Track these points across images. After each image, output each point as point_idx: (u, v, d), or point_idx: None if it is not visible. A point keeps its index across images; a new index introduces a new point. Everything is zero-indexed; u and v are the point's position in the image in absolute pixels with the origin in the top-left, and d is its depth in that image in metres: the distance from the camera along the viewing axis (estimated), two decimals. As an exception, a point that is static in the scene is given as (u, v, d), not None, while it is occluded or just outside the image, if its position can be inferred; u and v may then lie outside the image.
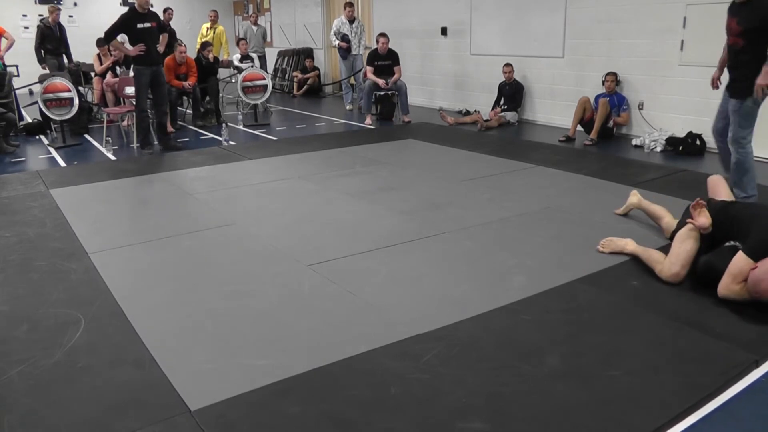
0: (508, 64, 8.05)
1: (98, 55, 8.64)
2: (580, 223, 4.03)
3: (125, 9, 6.78)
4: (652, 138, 6.44)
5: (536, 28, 7.94)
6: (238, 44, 10.52)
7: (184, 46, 8.21)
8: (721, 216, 3.09)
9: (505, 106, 8.16)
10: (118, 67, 8.35)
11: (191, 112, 8.81)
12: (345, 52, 9.58)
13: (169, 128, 7.34)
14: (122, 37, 6.77)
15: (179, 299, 3.02)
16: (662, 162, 5.93)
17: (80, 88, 8.82)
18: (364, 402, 2.15)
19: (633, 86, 6.95)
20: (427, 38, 9.78)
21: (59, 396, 2.20)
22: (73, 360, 2.43)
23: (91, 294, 3.04)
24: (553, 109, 8.00)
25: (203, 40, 9.83)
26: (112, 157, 6.51)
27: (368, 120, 8.47)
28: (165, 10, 9.24)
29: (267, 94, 8.67)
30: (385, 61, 8.49)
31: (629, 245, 3.40)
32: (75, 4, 13.40)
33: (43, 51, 8.99)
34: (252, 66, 9.54)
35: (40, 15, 13.03)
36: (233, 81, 9.73)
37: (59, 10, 9.23)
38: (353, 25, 9.50)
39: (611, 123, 6.92)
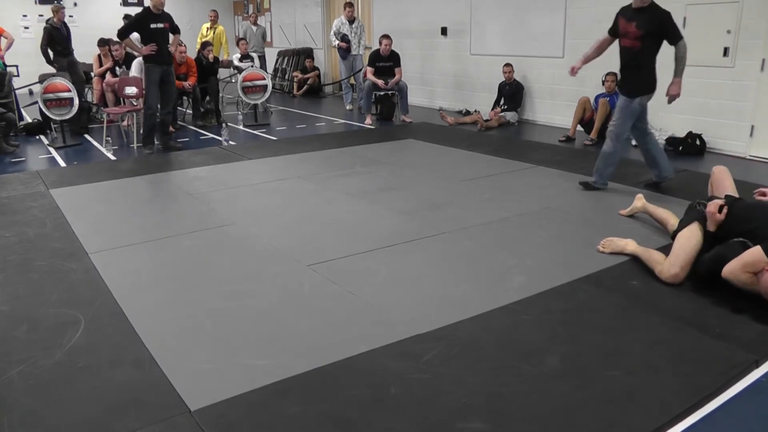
0: (508, 64, 8.05)
1: (98, 55, 8.63)
2: (580, 223, 4.03)
3: (125, 9, 6.82)
4: (652, 138, 6.43)
5: (536, 28, 7.94)
6: (238, 44, 10.52)
7: (184, 46, 8.20)
8: (730, 206, 3.06)
9: (505, 106, 8.16)
10: (118, 67, 8.35)
11: (191, 112, 8.82)
12: (345, 52, 9.58)
13: (170, 128, 7.35)
14: (134, 36, 6.81)
15: (179, 299, 3.02)
16: (662, 162, 5.92)
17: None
18: (364, 402, 2.15)
19: (633, 86, 6.93)
20: (427, 38, 9.77)
21: (59, 396, 2.20)
22: (73, 360, 2.43)
23: (91, 294, 3.04)
24: (553, 109, 8.00)
25: (203, 40, 9.83)
26: (112, 157, 6.51)
27: (368, 120, 8.47)
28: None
29: (267, 94, 8.67)
30: (387, 62, 8.49)
31: (630, 245, 3.40)
32: (75, 4, 13.39)
33: (51, 52, 9.00)
34: (252, 65, 9.54)
35: (40, 15, 13.10)
36: (233, 81, 9.73)
37: (64, 8, 9.24)
38: (353, 26, 9.50)
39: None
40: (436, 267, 3.38)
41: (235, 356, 2.46)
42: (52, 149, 6.98)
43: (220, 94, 9.39)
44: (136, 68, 7.62)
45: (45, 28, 9.02)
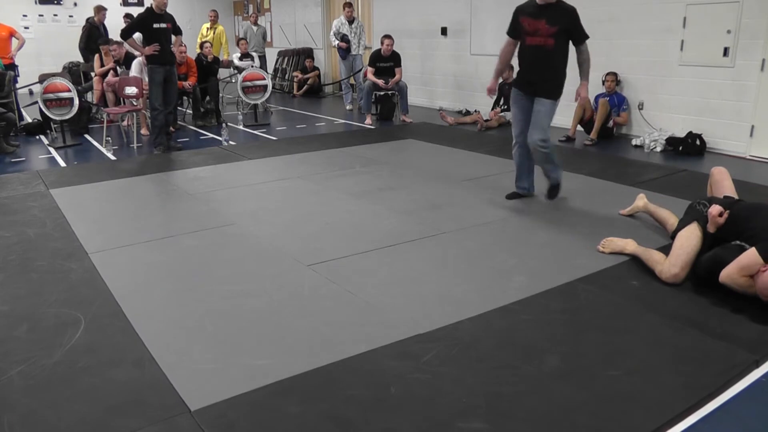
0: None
1: (99, 55, 8.63)
2: (580, 223, 4.03)
3: (125, 9, 6.83)
4: (652, 138, 6.44)
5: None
6: (238, 44, 10.52)
7: (184, 46, 8.20)
8: (730, 207, 3.06)
9: (505, 106, 8.14)
10: (118, 67, 8.35)
11: (191, 112, 8.81)
12: (344, 52, 9.57)
13: (170, 128, 7.35)
14: (136, 36, 6.83)
15: (179, 299, 3.02)
16: (662, 162, 5.93)
17: (80, 87, 8.83)
18: (364, 402, 2.15)
19: (633, 86, 6.95)
20: (427, 38, 9.77)
21: (59, 396, 2.20)
22: (73, 360, 2.43)
23: (91, 294, 3.04)
24: (553, 109, 7.99)
25: (203, 40, 9.83)
26: (112, 157, 6.51)
27: (368, 120, 8.47)
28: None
29: (267, 94, 8.67)
30: (387, 62, 8.49)
31: (629, 245, 3.40)
32: (75, 4, 13.40)
33: (87, 50, 9.07)
34: (252, 65, 9.53)
35: (40, 15, 13.13)
36: (233, 81, 9.73)
37: (105, 9, 9.28)
38: (353, 26, 9.50)
39: (611, 123, 6.92)
40: (436, 267, 3.38)
41: (235, 356, 2.46)
42: (52, 149, 6.98)
43: (220, 94, 9.39)
44: (136, 68, 7.62)
45: (84, 26, 9.09)
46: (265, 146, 6.93)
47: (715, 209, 3.06)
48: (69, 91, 7.05)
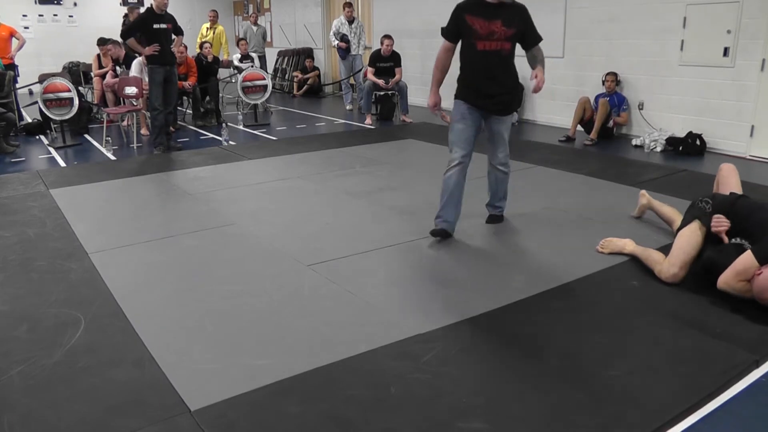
0: (508, 64, 8.03)
1: (98, 55, 8.64)
2: (580, 223, 4.03)
3: (125, 9, 6.84)
4: (652, 138, 6.44)
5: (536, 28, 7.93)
6: (238, 44, 10.52)
7: (184, 46, 8.20)
8: (728, 211, 3.05)
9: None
10: (118, 67, 8.35)
11: (191, 112, 8.81)
12: (344, 52, 9.58)
13: (170, 128, 7.35)
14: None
15: (179, 299, 3.02)
16: (662, 162, 5.93)
17: (80, 88, 8.83)
18: (364, 402, 2.15)
19: (633, 86, 6.95)
20: (427, 38, 9.76)
21: (59, 396, 2.20)
22: (73, 360, 2.43)
23: (91, 294, 3.04)
24: (553, 109, 8.00)
25: (203, 40, 9.83)
26: (112, 157, 6.51)
27: (368, 120, 8.47)
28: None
29: (267, 94, 8.67)
30: (387, 62, 8.50)
31: (628, 245, 3.40)
32: (75, 4, 13.40)
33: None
34: (252, 66, 9.53)
35: (40, 15, 13.13)
36: (233, 81, 9.73)
37: (138, 9, 9.29)
38: (352, 26, 9.50)
39: (611, 123, 6.92)
40: (436, 267, 3.38)
41: (235, 356, 2.46)
42: (52, 149, 6.98)
43: (220, 94, 9.39)
44: (135, 68, 7.62)
45: (123, 22, 9.12)
46: (265, 146, 6.93)
47: (720, 226, 2.99)
48: (69, 91, 7.05)
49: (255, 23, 11.38)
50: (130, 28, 6.63)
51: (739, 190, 3.35)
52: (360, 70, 9.46)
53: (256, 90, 8.49)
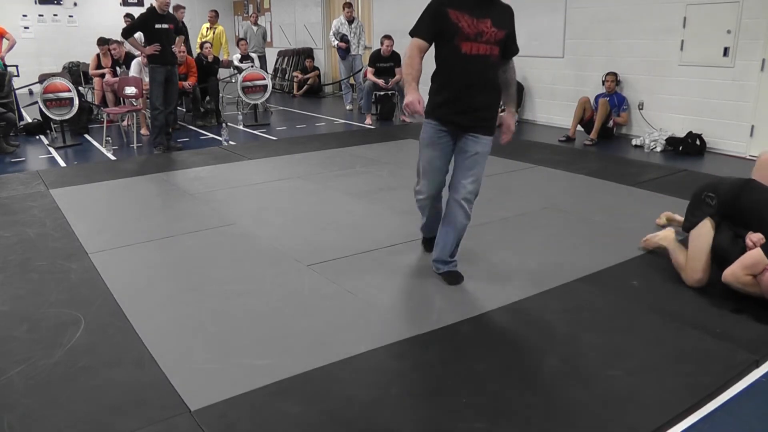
0: (508, 64, 8.03)
1: (97, 54, 8.63)
2: (580, 223, 4.03)
3: (125, 9, 6.85)
4: (652, 138, 6.44)
5: (536, 28, 7.93)
6: (238, 44, 10.52)
7: (185, 46, 8.21)
8: (732, 205, 3.01)
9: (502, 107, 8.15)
10: (118, 67, 8.35)
11: (191, 112, 8.81)
12: (344, 52, 9.57)
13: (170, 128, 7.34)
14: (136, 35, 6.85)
15: (179, 299, 3.01)
16: (662, 162, 5.93)
17: (80, 88, 8.83)
18: (364, 402, 2.15)
19: (633, 86, 6.95)
20: (427, 38, 9.75)
21: (59, 396, 2.20)
22: (73, 360, 2.43)
23: (91, 294, 3.04)
24: (553, 109, 8.00)
25: (203, 40, 9.83)
26: (112, 157, 6.51)
27: (368, 120, 8.47)
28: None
29: (267, 94, 8.67)
30: (388, 62, 8.50)
31: (666, 239, 3.32)
32: (75, 4, 13.40)
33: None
34: (252, 66, 9.53)
35: (40, 15, 13.13)
36: (233, 81, 9.73)
37: (184, 8, 9.26)
38: (352, 26, 9.50)
39: (611, 123, 6.92)
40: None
41: (235, 356, 2.46)
42: (52, 149, 6.98)
43: (220, 94, 9.39)
44: (135, 68, 7.62)
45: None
46: (265, 146, 6.93)
47: (757, 246, 2.86)
48: (69, 91, 7.05)
49: (255, 23, 11.38)
50: (131, 28, 6.64)
51: None
52: (360, 70, 9.46)
53: (256, 90, 8.49)
